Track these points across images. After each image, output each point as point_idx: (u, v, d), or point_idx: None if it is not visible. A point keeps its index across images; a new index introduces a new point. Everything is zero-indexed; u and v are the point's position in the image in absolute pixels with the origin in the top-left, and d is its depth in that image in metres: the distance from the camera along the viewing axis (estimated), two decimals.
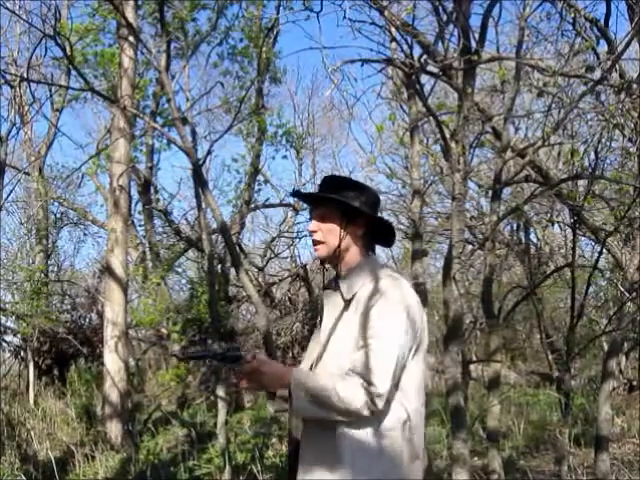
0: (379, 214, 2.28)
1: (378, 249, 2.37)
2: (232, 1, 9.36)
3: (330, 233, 2.14)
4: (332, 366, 2.01)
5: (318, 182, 2.29)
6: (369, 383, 1.91)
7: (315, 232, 2.16)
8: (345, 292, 2.09)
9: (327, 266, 2.24)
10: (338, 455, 1.94)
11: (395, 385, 1.98)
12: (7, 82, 7.37)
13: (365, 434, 1.95)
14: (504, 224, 9.40)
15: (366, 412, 1.91)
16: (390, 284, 2.03)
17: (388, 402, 1.96)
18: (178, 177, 30.36)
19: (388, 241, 2.29)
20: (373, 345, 1.94)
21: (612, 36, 4.78)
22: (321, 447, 1.98)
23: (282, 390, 1.99)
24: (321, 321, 2.16)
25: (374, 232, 2.19)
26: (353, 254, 2.15)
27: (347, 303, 2.07)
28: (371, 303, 2.00)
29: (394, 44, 5.13)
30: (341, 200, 2.12)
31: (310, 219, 2.21)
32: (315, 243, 2.16)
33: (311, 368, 2.10)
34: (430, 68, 4.57)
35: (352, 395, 1.91)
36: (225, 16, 10.08)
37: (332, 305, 2.13)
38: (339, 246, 2.13)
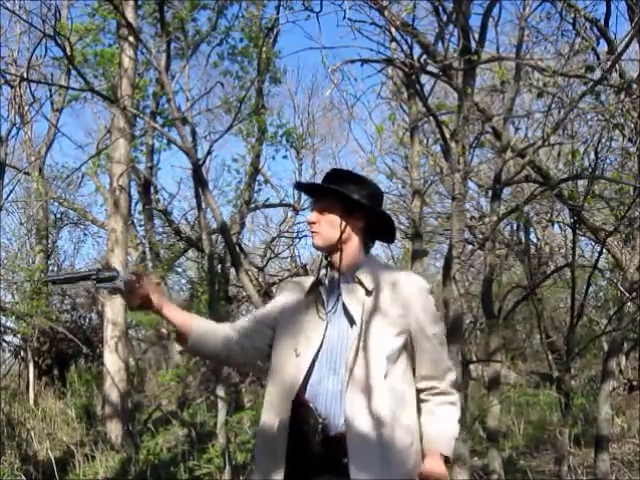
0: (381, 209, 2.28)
1: (378, 249, 2.38)
2: (232, 1, 9.34)
3: (330, 224, 2.14)
4: (376, 354, 2.03)
5: (319, 181, 2.29)
6: (450, 369, 2.16)
7: (314, 223, 2.16)
8: (368, 283, 2.10)
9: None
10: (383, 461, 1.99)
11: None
12: (7, 82, 7.36)
13: (402, 435, 2.03)
14: (504, 224, 9.40)
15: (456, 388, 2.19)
16: (422, 279, 2.19)
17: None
18: (178, 177, 30.29)
19: (389, 236, 2.31)
20: (436, 341, 2.13)
21: (612, 36, 4.79)
22: (367, 453, 1.98)
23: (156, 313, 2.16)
24: (324, 312, 2.12)
25: (375, 227, 2.20)
26: (353, 247, 2.15)
27: (369, 293, 2.08)
28: (410, 294, 2.10)
29: (394, 44, 5.14)
30: (341, 192, 2.12)
31: (311, 210, 2.21)
32: (313, 232, 2.17)
33: (316, 356, 2.06)
34: (430, 68, 4.57)
35: (454, 416, 2.14)
36: (225, 16, 10.03)
37: (352, 297, 2.10)
38: (340, 238, 2.12)
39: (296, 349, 2.09)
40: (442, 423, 2.09)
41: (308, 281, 2.24)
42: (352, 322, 2.07)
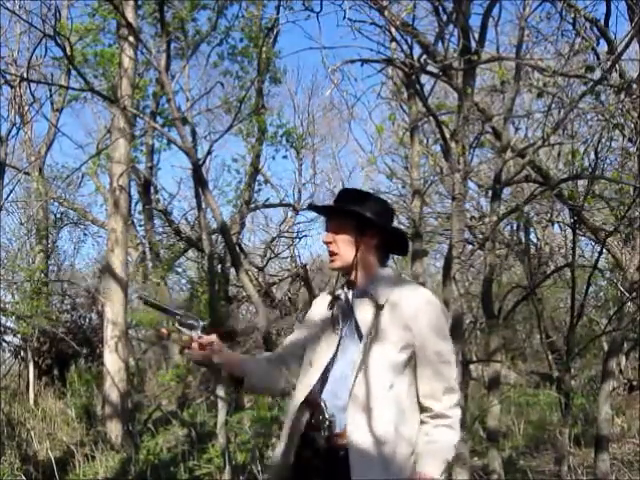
0: (394, 226, 2.37)
1: None
2: (232, 1, 9.35)
3: (345, 244, 2.20)
4: (380, 366, 2.07)
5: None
6: (450, 390, 2.11)
7: (330, 243, 2.22)
8: (379, 297, 2.15)
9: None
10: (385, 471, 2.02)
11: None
12: (7, 82, 7.36)
13: (403, 448, 2.06)
14: (504, 224, 9.41)
15: (459, 411, 2.15)
16: (430, 294, 2.19)
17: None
18: (178, 177, 30.30)
19: (402, 250, 2.38)
20: (438, 359, 2.11)
21: (612, 36, 4.79)
22: (371, 466, 2.02)
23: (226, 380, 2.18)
24: (339, 328, 2.20)
25: (389, 243, 2.27)
26: (369, 265, 2.22)
27: (380, 308, 2.13)
28: (416, 308, 2.11)
29: (394, 44, 5.14)
30: (355, 212, 2.18)
31: (326, 231, 2.27)
32: (331, 254, 2.23)
33: (326, 372, 2.16)
34: (430, 68, 4.57)
35: (450, 440, 2.10)
36: (225, 16, 10.07)
37: (362, 311, 2.17)
38: (355, 256, 2.19)
39: (311, 361, 2.22)
40: (435, 445, 2.08)
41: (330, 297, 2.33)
42: (361, 336, 2.14)
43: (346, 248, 2.20)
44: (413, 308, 2.11)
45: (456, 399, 2.14)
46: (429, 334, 2.10)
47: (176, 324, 2.24)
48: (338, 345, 2.18)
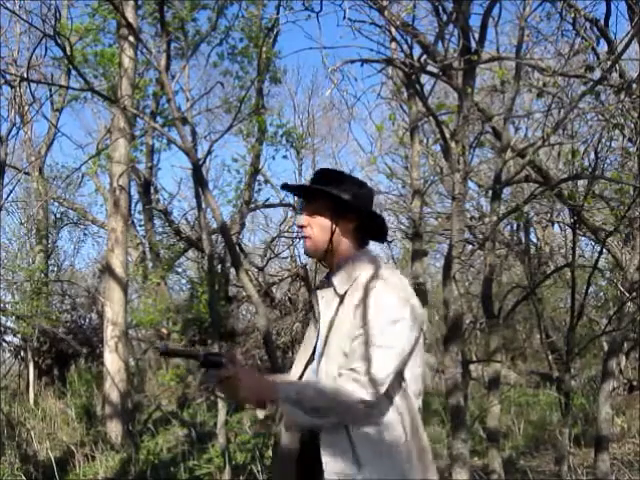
0: (373, 209, 2.20)
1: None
2: (232, 1, 9.35)
3: (320, 228, 2.07)
4: (334, 364, 1.96)
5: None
6: (365, 373, 1.85)
7: (305, 227, 2.09)
8: (338, 287, 2.03)
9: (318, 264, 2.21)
10: (353, 455, 1.90)
11: (400, 377, 1.95)
12: (7, 82, 7.35)
13: (375, 431, 1.90)
14: (504, 224, 9.42)
15: (365, 406, 1.86)
16: (389, 272, 2.01)
17: (389, 394, 1.92)
18: (178, 177, 30.39)
19: (381, 236, 2.22)
20: (370, 334, 1.89)
21: (612, 36, 4.78)
22: (336, 448, 1.92)
23: (260, 408, 1.94)
24: (316, 320, 2.11)
25: (367, 227, 2.12)
26: (345, 249, 2.08)
27: (342, 298, 2.01)
28: (369, 289, 1.94)
29: (394, 44, 5.15)
30: (331, 193, 2.05)
31: (300, 213, 2.14)
32: (304, 238, 2.10)
33: (305, 367, 2.07)
34: (430, 68, 4.56)
35: (348, 393, 1.86)
36: (225, 16, 10.08)
37: (327, 302, 2.06)
38: (330, 241, 2.06)
39: (297, 359, 2.14)
40: (319, 387, 1.92)
41: None
42: (321, 332, 2.06)
43: (321, 232, 2.06)
44: (365, 291, 1.95)
45: (374, 389, 1.87)
46: (371, 315, 1.92)
47: (200, 366, 1.99)
48: (326, 341, 2.05)
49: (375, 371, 1.86)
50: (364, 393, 1.85)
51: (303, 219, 2.10)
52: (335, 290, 2.04)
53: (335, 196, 2.04)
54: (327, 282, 2.10)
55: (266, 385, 1.96)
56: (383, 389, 1.88)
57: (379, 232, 2.18)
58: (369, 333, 1.90)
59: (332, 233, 2.06)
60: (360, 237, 2.11)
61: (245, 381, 1.91)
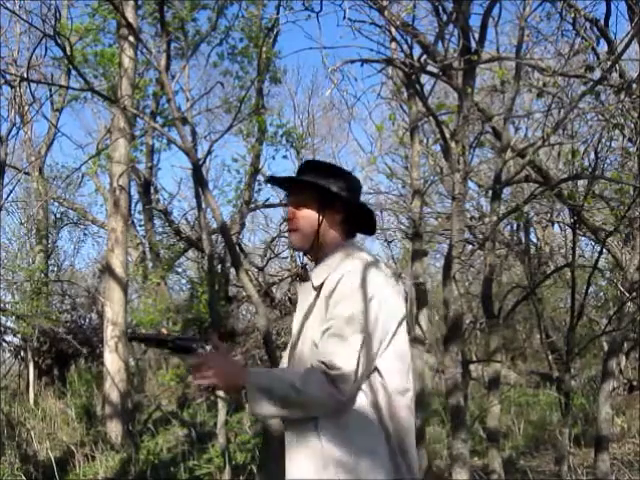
0: (360, 201, 2.15)
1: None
2: (232, 1, 9.36)
3: (306, 220, 2.03)
4: (306, 357, 1.92)
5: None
6: (331, 367, 1.80)
7: (291, 220, 2.06)
8: (314, 279, 2.00)
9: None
10: (320, 449, 1.85)
11: (376, 373, 1.89)
12: (7, 82, 7.36)
13: (344, 422, 1.85)
14: (504, 224, 9.42)
15: (331, 400, 1.81)
16: (360, 263, 1.93)
17: (358, 386, 1.86)
18: (178, 177, 30.41)
19: (369, 228, 2.16)
20: (334, 326, 1.84)
21: (612, 36, 4.79)
22: (302, 442, 1.89)
23: (232, 394, 1.93)
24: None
25: (355, 219, 2.08)
26: (331, 242, 2.04)
27: (318, 291, 1.97)
28: (336, 284, 1.89)
29: (394, 44, 5.14)
30: (317, 184, 2.01)
31: (287, 206, 2.10)
32: (290, 231, 2.07)
33: (289, 361, 2.06)
34: (430, 68, 4.56)
35: (314, 386, 1.80)
36: (225, 16, 10.09)
37: (305, 295, 2.04)
38: (317, 233, 2.02)
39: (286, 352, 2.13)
40: (285, 376, 1.88)
41: None
42: (295, 324, 2.05)
43: (307, 225, 2.02)
44: (335, 282, 1.90)
45: (342, 384, 1.81)
46: (336, 307, 1.88)
47: (169, 352, 1.93)
48: (299, 334, 2.04)
49: (342, 365, 1.81)
50: (332, 387, 1.80)
51: (290, 211, 2.07)
52: (312, 283, 2.00)
53: (321, 187, 2.01)
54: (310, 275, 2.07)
55: (237, 370, 1.90)
56: (350, 383, 1.82)
57: (367, 224, 2.13)
58: (334, 325, 1.86)
59: (319, 225, 2.02)
60: (347, 229, 2.07)
61: (214, 366, 1.87)
